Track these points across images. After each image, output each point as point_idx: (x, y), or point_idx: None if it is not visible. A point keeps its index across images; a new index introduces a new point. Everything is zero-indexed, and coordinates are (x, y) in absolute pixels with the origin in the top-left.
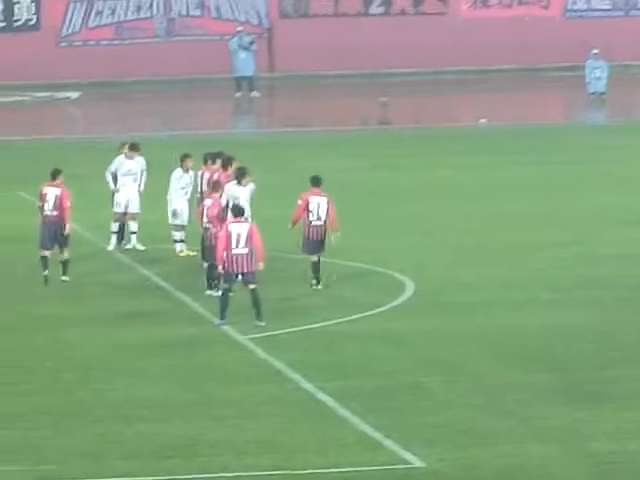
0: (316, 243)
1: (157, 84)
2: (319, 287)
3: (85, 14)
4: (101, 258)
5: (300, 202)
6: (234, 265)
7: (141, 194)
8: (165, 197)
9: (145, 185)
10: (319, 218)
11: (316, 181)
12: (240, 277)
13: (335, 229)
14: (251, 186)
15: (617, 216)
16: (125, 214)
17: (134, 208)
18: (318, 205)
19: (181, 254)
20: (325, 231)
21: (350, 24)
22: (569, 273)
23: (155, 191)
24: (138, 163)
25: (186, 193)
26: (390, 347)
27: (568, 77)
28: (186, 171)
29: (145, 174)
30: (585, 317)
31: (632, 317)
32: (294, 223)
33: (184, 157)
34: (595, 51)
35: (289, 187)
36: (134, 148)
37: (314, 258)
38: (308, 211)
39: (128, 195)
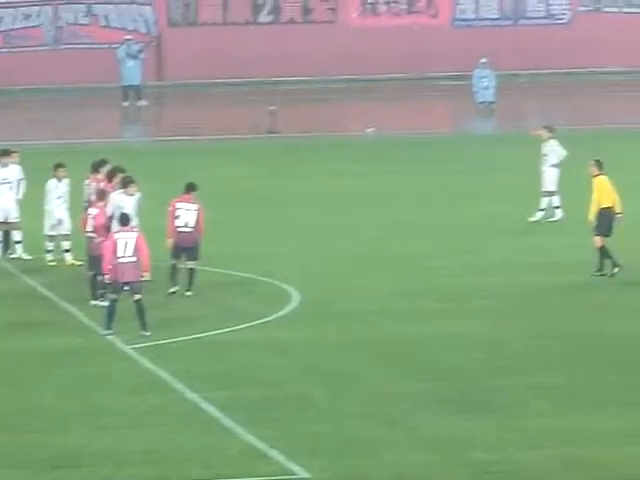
0: (182, 250)
1: (46, 92)
2: (188, 294)
3: None
4: None
5: (170, 209)
6: (121, 274)
7: (19, 202)
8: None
9: (26, 194)
10: (186, 225)
11: (188, 188)
12: (126, 287)
13: (201, 237)
14: (137, 195)
15: (506, 225)
16: (4, 223)
17: (12, 217)
18: (186, 212)
19: (51, 264)
20: (194, 239)
21: (239, 32)
22: (458, 282)
23: (41, 200)
24: (14, 171)
25: (64, 202)
26: (276, 357)
27: (457, 86)
28: (60, 180)
29: (24, 182)
30: (473, 326)
31: (519, 326)
32: (170, 233)
33: (57, 167)
34: (483, 60)
35: (178, 196)
36: (5, 154)
37: (181, 265)
38: (175, 217)
39: (5, 204)
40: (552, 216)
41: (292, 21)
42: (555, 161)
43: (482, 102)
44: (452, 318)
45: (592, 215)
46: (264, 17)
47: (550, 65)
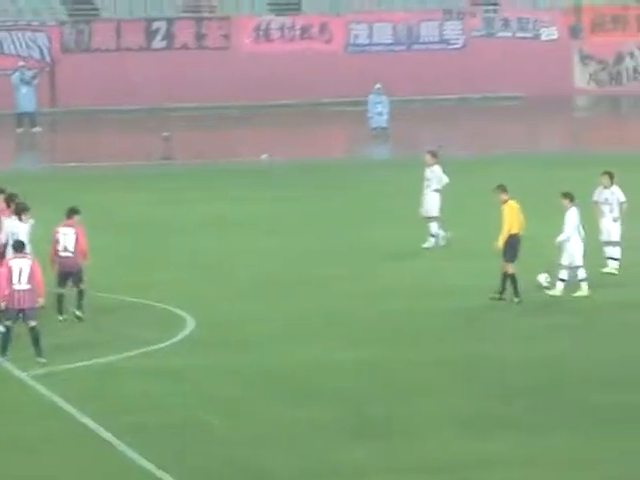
0: (66, 276)
1: None
2: (78, 313)
3: None
4: None
5: (52, 236)
6: (16, 301)
7: None
8: None
9: None
10: (65, 249)
11: (70, 212)
12: (21, 313)
13: (85, 259)
14: (31, 222)
15: (400, 250)
16: None
17: None
18: (64, 236)
19: None
20: (76, 263)
21: (132, 58)
22: (354, 307)
23: None
24: None
25: None
26: (171, 383)
27: (351, 112)
28: None
29: None
30: (368, 351)
31: (413, 351)
32: (52, 259)
33: None
34: (377, 86)
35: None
36: None
37: (69, 290)
38: (55, 242)
39: None
40: (441, 241)
41: (185, 47)
42: (437, 186)
43: (376, 128)
44: (347, 343)
45: (501, 241)
46: (158, 43)
47: (444, 90)
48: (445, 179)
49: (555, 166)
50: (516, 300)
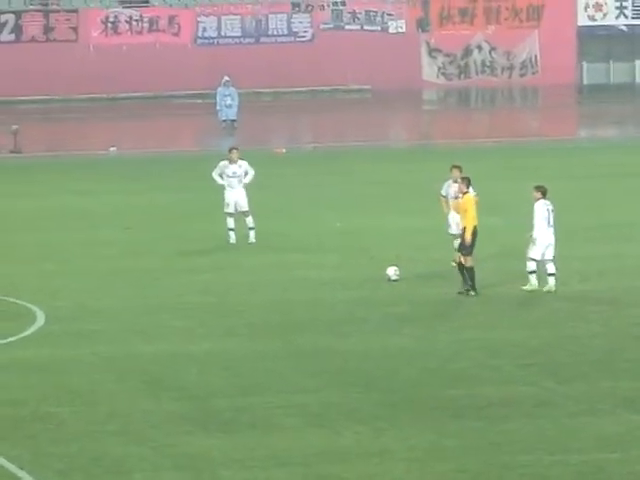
0: None
1: None
2: None
3: None
4: None
5: None
6: None
7: None
8: None
9: None
10: None
11: None
12: None
13: None
14: None
15: (244, 245)
16: None
17: None
18: None
19: None
20: None
21: None
22: (202, 301)
23: None
24: None
25: None
26: (22, 376)
27: (200, 104)
28: None
29: None
30: (219, 344)
31: (264, 344)
32: None
33: None
34: (226, 78)
35: None
36: None
37: None
38: None
39: None
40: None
41: (34, 39)
42: (245, 181)
43: (225, 120)
44: (197, 336)
45: (469, 234)
46: (6, 36)
47: (294, 83)
48: (251, 172)
49: (404, 159)
50: (472, 294)
